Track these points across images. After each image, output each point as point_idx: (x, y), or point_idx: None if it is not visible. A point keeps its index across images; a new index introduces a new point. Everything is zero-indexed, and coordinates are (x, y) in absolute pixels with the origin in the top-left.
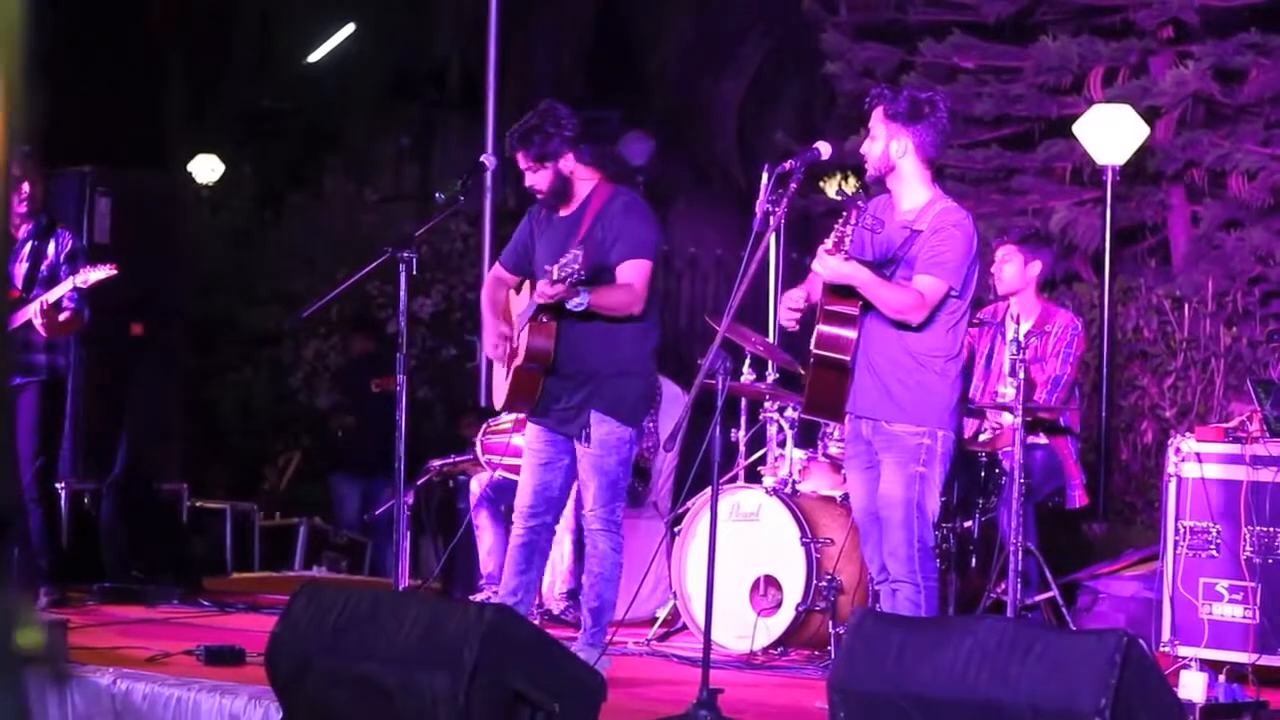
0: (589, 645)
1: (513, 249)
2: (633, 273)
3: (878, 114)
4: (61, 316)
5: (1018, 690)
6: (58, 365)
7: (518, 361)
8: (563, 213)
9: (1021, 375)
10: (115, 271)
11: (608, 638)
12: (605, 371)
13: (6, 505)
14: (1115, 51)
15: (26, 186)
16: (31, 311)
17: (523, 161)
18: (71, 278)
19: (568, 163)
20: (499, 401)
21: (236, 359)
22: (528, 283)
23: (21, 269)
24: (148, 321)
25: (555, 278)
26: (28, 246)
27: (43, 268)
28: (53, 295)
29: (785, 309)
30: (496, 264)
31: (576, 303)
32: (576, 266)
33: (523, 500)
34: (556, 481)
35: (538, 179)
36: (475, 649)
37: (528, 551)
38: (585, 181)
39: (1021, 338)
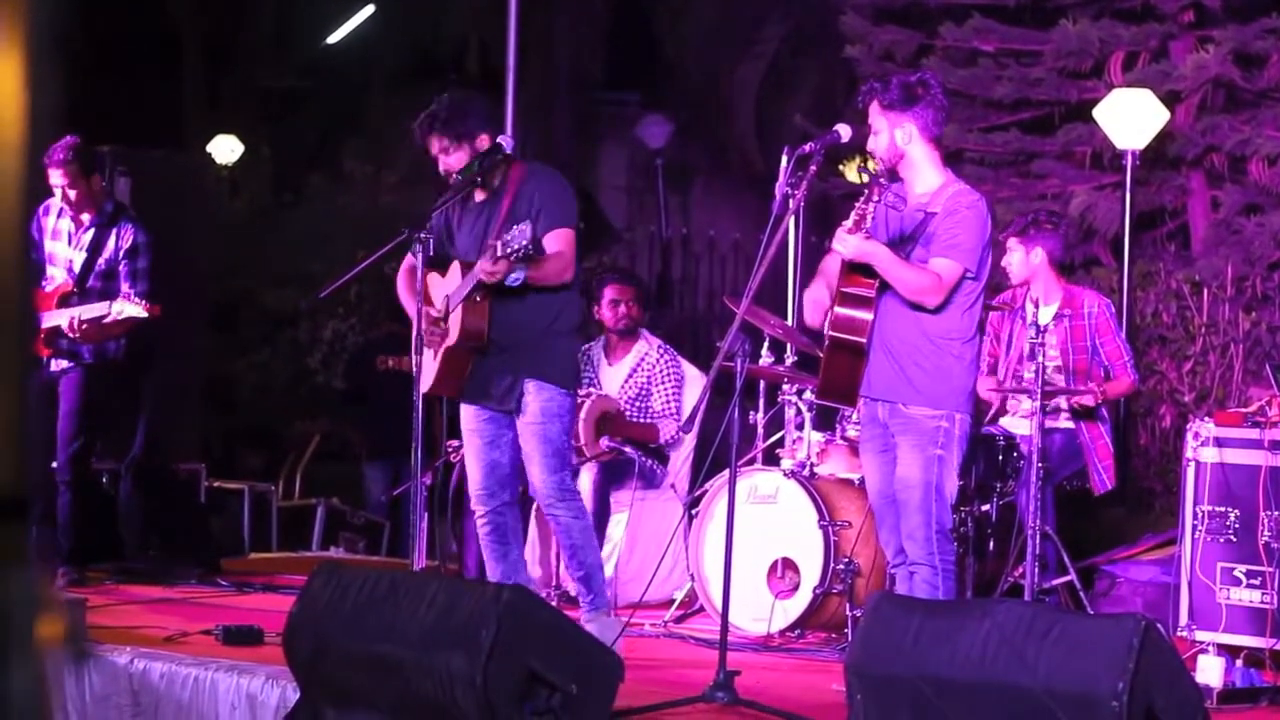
0: (593, 611)
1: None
2: (559, 241)
3: (874, 108)
4: (106, 319)
5: (1035, 674)
6: (106, 350)
7: (449, 342)
8: (479, 196)
9: (1040, 359)
10: (149, 314)
11: (625, 618)
12: (536, 340)
13: (27, 486)
14: (1136, 36)
15: (63, 178)
16: (63, 321)
17: (437, 144)
18: (109, 303)
19: (483, 142)
20: (425, 385)
21: (255, 339)
22: (456, 264)
23: (79, 258)
24: (166, 302)
25: (500, 254)
26: (89, 235)
27: (100, 261)
28: (86, 313)
29: (814, 309)
30: (408, 255)
31: (514, 278)
32: (525, 242)
33: (475, 485)
34: (505, 458)
35: (453, 160)
36: (492, 629)
37: (499, 535)
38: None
39: (1049, 321)
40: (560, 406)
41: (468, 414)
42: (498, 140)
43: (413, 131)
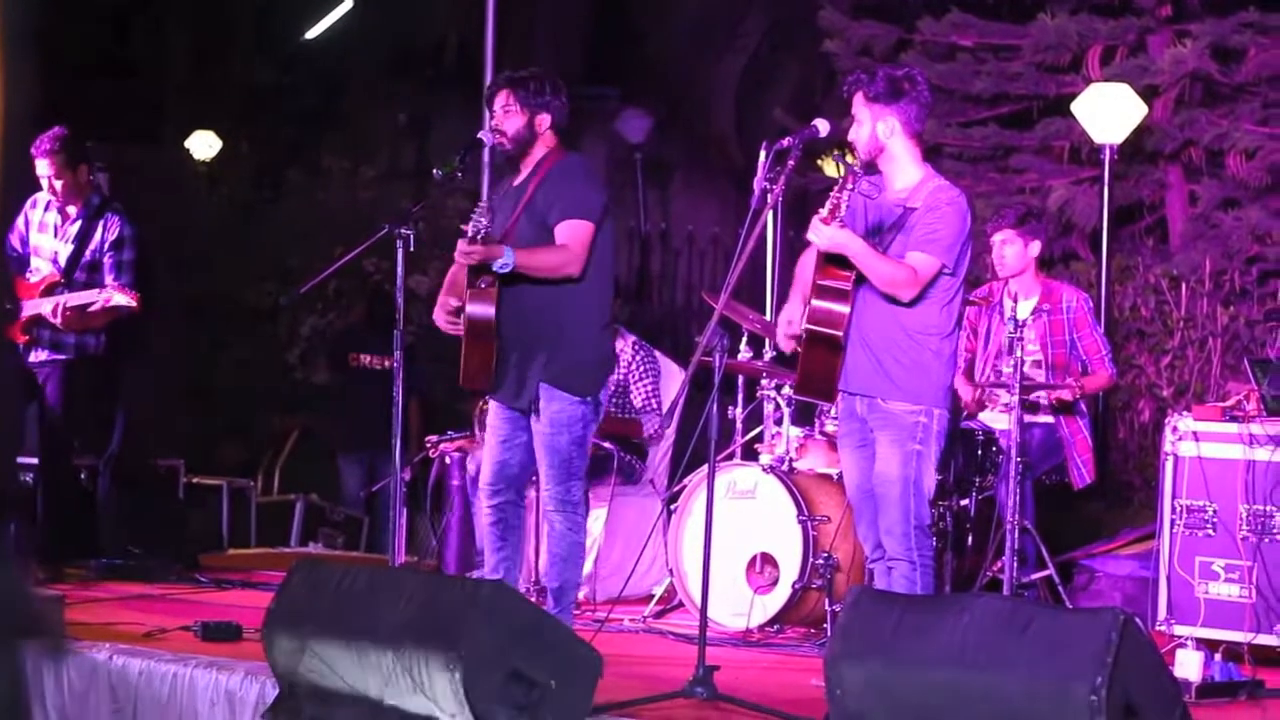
0: None
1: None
2: (569, 233)
3: (859, 99)
4: (94, 306)
5: (1014, 668)
6: (86, 345)
7: (463, 331)
8: (515, 182)
9: (1018, 353)
10: (136, 305)
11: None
12: (550, 340)
13: (2, 483)
14: (1113, 30)
15: (50, 168)
16: (46, 309)
17: (503, 100)
18: (96, 290)
19: (543, 121)
20: (460, 378)
21: (233, 335)
22: None
23: (65, 251)
24: (145, 297)
25: (469, 236)
26: (75, 227)
27: (87, 252)
28: (74, 300)
29: (785, 336)
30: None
31: (501, 263)
32: (484, 222)
33: (484, 478)
34: (515, 459)
35: (510, 123)
36: (472, 625)
37: (501, 529)
38: (542, 148)
39: (1028, 316)
40: (570, 416)
41: (492, 408)
42: (479, 136)
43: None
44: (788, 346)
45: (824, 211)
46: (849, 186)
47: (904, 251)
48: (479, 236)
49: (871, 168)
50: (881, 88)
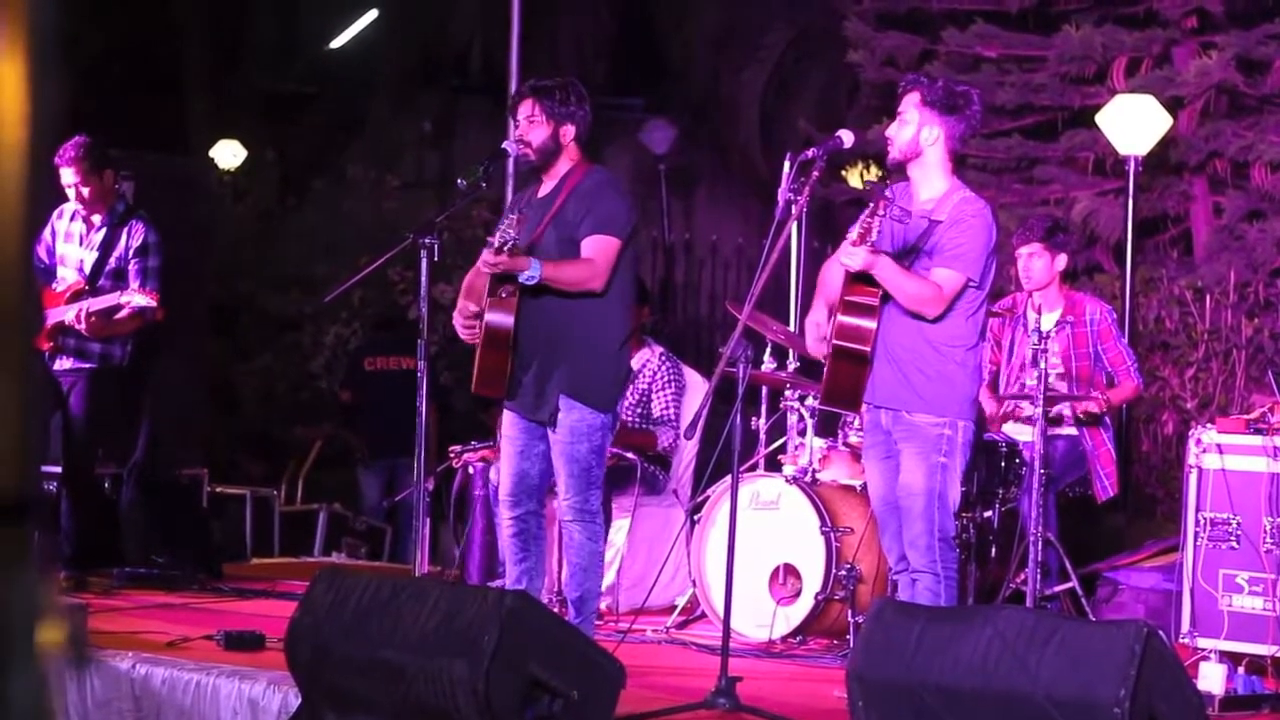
0: None
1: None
2: (595, 248)
3: (913, 99)
4: (120, 314)
5: (1036, 681)
6: (112, 355)
7: (479, 339)
8: (540, 193)
9: (1042, 366)
10: (157, 305)
11: (626, 625)
12: (570, 352)
13: (29, 490)
14: (1139, 41)
15: (75, 175)
16: (69, 315)
17: (527, 109)
18: (118, 294)
19: (568, 133)
20: (473, 384)
21: (258, 344)
22: None
23: (90, 258)
24: (169, 306)
25: (495, 246)
26: (99, 235)
27: (111, 259)
28: (97, 305)
29: (815, 339)
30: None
31: (527, 275)
32: (512, 234)
33: (504, 489)
34: (534, 469)
35: (535, 134)
36: (494, 635)
37: (522, 540)
38: (567, 160)
39: (1051, 328)
40: (589, 427)
41: (506, 418)
42: (503, 146)
43: (515, 92)
44: (819, 350)
45: (854, 235)
46: (881, 213)
47: (929, 267)
48: (505, 247)
49: (900, 170)
50: (938, 96)
